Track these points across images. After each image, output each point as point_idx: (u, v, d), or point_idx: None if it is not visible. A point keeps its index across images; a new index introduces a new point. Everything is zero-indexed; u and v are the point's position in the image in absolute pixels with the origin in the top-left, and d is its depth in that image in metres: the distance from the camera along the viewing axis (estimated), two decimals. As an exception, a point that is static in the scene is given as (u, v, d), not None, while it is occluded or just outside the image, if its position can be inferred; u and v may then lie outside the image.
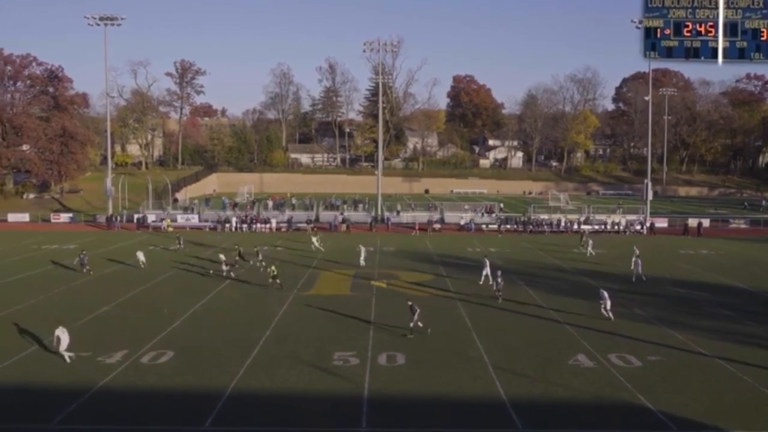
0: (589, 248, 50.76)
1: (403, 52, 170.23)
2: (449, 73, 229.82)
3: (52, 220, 73.48)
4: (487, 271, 37.49)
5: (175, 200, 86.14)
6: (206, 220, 69.51)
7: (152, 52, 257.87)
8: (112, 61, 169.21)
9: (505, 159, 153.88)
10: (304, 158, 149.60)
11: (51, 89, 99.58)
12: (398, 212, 74.92)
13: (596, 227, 67.75)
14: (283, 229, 66.43)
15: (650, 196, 73.36)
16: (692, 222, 68.42)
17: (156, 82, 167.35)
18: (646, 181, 75.37)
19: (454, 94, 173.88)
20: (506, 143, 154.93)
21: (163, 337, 25.97)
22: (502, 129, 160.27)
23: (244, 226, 66.38)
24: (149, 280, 38.46)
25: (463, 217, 70.76)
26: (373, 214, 73.72)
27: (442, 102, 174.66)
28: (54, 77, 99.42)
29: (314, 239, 53.06)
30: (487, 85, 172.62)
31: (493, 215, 73.47)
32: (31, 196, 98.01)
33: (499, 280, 33.43)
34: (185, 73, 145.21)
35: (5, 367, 22.29)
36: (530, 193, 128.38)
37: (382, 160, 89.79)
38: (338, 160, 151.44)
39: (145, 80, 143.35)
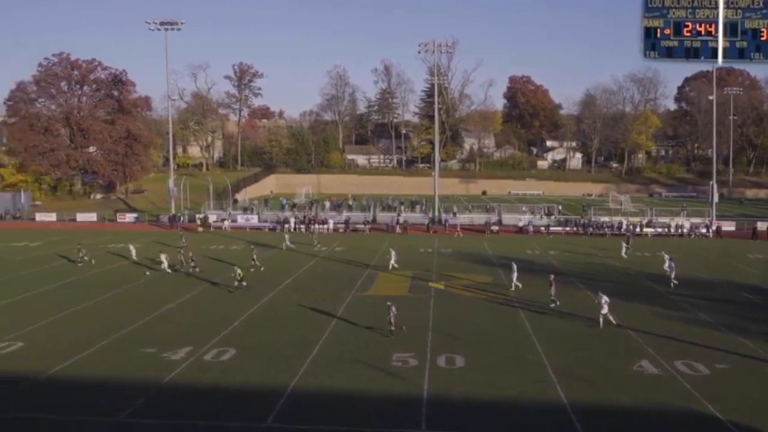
0: (623, 251, 49.65)
1: (459, 52, 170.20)
2: (505, 73, 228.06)
3: (118, 220, 75.69)
4: (515, 274, 36.57)
5: (235, 201, 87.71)
6: (265, 221, 70.53)
7: (211, 55, 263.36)
8: (172, 65, 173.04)
9: (563, 160, 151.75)
10: (361, 159, 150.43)
11: (115, 93, 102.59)
12: (455, 213, 74.60)
13: (659, 230, 66.13)
14: (341, 230, 66.91)
15: (716, 199, 71.18)
16: (761, 225, 66.07)
17: (215, 85, 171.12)
18: (711, 182, 73.17)
19: (511, 95, 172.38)
20: (564, 144, 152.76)
21: (225, 335, 26.46)
22: (560, 130, 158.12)
23: (302, 226, 67.08)
24: (210, 279, 39.19)
25: (521, 219, 69.97)
26: (430, 215, 73.55)
27: (499, 103, 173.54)
28: (118, 81, 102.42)
29: (287, 237, 54.65)
30: (544, 85, 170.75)
31: (552, 217, 72.48)
32: (98, 196, 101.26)
33: (552, 284, 32.64)
34: (243, 76, 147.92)
35: (76, 361, 23.06)
36: (590, 194, 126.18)
37: (439, 162, 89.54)
38: (394, 161, 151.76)
39: (204, 83, 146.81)
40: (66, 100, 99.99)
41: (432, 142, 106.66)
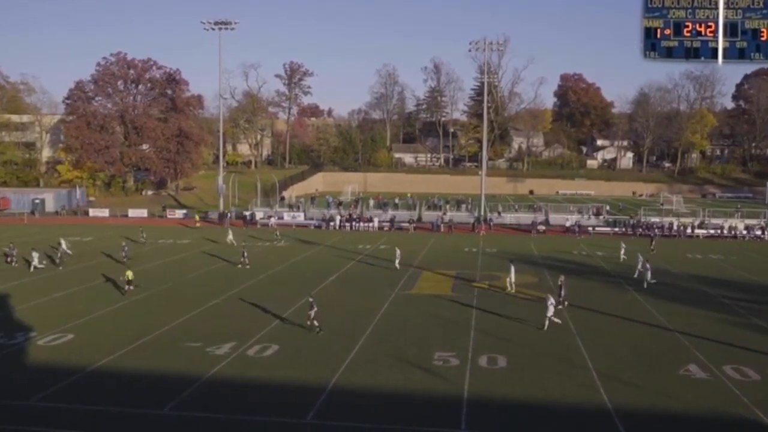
0: (622, 252, 47.14)
1: (509, 51, 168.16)
2: (556, 72, 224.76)
3: (168, 216, 77.27)
4: (512, 276, 35.70)
5: (282, 198, 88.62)
6: (311, 219, 71.10)
7: (263, 54, 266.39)
8: (225, 64, 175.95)
9: (614, 159, 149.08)
10: (408, 158, 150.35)
11: (169, 91, 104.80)
12: (500, 213, 73.99)
13: (711, 232, 64.43)
14: (386, 228, 67.02)
15: (773, 200, 69.01)
16: (821, 228, 63.79)
17: (266, 84, 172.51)
18: (768, 183, 70.95)
19: (562, 93, 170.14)
20: (616, 143, 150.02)
21: (268, 331, 26.76)
22: (612, 129, 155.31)
23: (348, 224, 67.44)
24: (257, 275, 39.75)
25: (569, 219, 68.97)
26: (476, 214, 73.08)
27: (549, 101, 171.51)
28: (172, 80, 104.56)
29: (230, 232, 55.05)
30: (596, 83, 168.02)
31: (600, 217, 71.28)
32: (150, 192, 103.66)
33: (562, 286, 31.88)
34: (294, 75, 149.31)
35: (124, 353, 23.63)
36: (640, 195, 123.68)
37: (486, 160, 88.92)
38: (442, 160, 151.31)
39: (255, 82, 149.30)
40: (122, 98, 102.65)
41: (480, 141, 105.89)
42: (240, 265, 42.24)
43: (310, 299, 27.26)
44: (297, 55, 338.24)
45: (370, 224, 67.84)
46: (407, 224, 67.13)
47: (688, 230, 64.23)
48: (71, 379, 21.01)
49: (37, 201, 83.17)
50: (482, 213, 72.71)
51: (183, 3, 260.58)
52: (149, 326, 27.22)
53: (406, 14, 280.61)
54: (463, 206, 78.77)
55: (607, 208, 77.44)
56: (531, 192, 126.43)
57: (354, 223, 67.78)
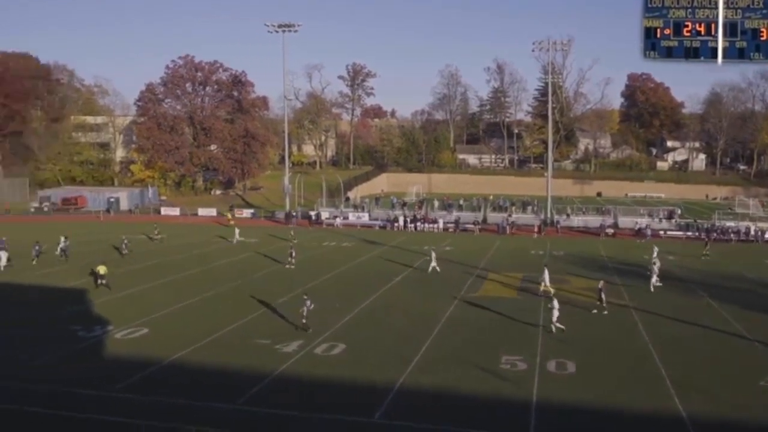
0: (654, 254, 43.40)
1: (574, 50, 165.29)
2: (623, 71, 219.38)
3: (235, 215, 78.78)
4: (546, 280, 35.10)
5: (347, 199, 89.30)
6: (376, 219, 71.42)
7: (326, 56, 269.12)
8: (289, 66, 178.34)
9: (685, 161, 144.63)
10: (472, 159, 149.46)
11: (235, 93, 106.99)
12: (568, 215, 72.75)
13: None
14: (450, 230, 66.76)
15: None
16: None
17: (329, 85, 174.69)
18: None
19: (629, 93, 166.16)
20: (687, 145, 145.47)
21: (335, 330, 27.01)
22: (683, 129, 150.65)
23: (412, 225, 67.42)
24: (322, 275, 40.16)
25: (638, 222, 67.25)
26: (542, 216, 72.07)
27: (616, 101, 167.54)
28: (238, 82, 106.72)
29: (237, 231, 56.14)
30: (665, 83, 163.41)
31: (673, 221, 69.27)
32: (218, 192, 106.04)
33: (601, 290, 31.01)
34: (357, 76, 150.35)
35: (197, 348, 24.28)
36: (714, 198, 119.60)
37: (552, 162, 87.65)
38: (506, 161, 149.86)
39: (319, 83, 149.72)
40: (190, 100, 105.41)
41: (545, 142, 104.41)
42: (288, 265, 42.65)
43: (305, 296, 27.43)
44: (359, 56, 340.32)
45: (435, 225, 67.68)
46: (472, 225, 66.71)
47: (766, 235, 61.81)
48: (147, 371, 21.70)
49: (112, 200, 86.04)
50: (549, 215, 71.67)
51: (248, 6, 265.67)
52: (220, 323, 27.85)
53: (468, 14, 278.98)
54: (529, 208, 77.77)
55: (679, 211, 75.09)
56: (599, 194, 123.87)
57: (418, 224, 67.72)
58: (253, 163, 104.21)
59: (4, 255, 41.31)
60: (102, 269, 35.20)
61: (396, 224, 67.93)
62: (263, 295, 33.48)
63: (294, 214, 73.80)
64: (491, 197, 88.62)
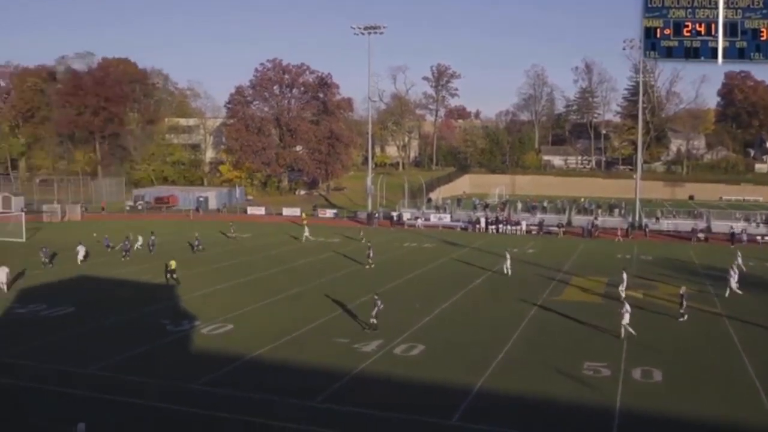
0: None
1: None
2: (720, 69, 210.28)
3: (319, 215, 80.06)
4: (624, 285, 34.06)
5: (429, 200, 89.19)
6: (458, 220, 71.02)
7: (410, 57, 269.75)
8: (373, 67, 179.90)
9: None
10: (557, 160, 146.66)
11: (321, 95, 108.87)
12: (657, 219, 70.24)
13: None
14: (534, 232, 65.61)
15: None
16: None
17: (413, 86, 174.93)
18: None
19: (726, 92, 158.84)
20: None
21: (414, 331, 27.00)
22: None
23: (494, 227, 66.61)
24: (402, 275, 40.26)
25: (733, 227, 64.16)
26: (629, 219, 69.83)
27: (712, 101, 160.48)
28: (324, 84, 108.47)
29: (306, 230, 56.75)
30: (765, 81, 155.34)
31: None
32: (302, 192, 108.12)
33: (683, 296, 29.78)
34: (441, 77, 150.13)
35: (280, 345, 24.80)
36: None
37: (641, 163, 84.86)
38: (593, 162, 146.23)
39: (403, 84, 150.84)
40: (277, 102, 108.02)
41: (634, 143, 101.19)
42: (368, 266, 42.89)
43: (375, 296, 27.45)
44: (444, 57, 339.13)
45: (518, 227, 66.67)
46: (556, 228, 65.36)
47: None
48: (231, 366, 22.32)
49: (201, 199, 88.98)
50: (637, 218, 69.39)
51: (334, 9, 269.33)
52: (301, 321, 28.33)
53: (554, 13, 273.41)
54: (616, 211, 75.46)
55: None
56: (691, 197, 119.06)
57: (501, 226, 66.87)
58: (336, 163, 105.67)
59: (82, 249, 43.82)
60: (173, 264, 36.80)
61: (478, 226, 67.31)
62: (342, 294, 33.82)
63: (376, 214, 74.30)
64: (583, 199, 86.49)
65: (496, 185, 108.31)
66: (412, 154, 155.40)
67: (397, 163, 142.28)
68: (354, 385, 20.83)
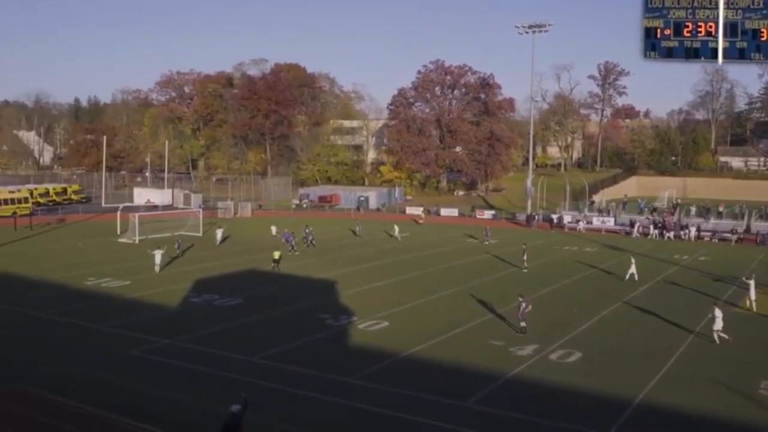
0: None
1: None
2: None
3: (477, 216, 79.79)
4: (752, 293, 31.75)
5: (592, 202, 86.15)
6: (622, 224, 67.98)
7: (576, 55, 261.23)
8: (537, 67, 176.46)
9: None
10: (736, 162, 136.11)
11: (482, 96, 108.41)
12: None
13: None
14: (706, 238, 61.22)
15: None
16: None
17: (578, 86, 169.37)
18: None
19: None
20: None
21: (572, 337, 26.21)
22: None
23: (662, 232, 62.74)
24: (561, 279, 39.24)
25: None
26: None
27: None
28: (485, 84, 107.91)
29: (396, 228, 57.75)
30: None
31: None
32: (461, 193, 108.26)
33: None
34: (608, 75, 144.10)
35: (435, 344, 25.02)
36: None
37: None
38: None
39: (567, 83, 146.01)
40: (438, 103, 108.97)
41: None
42: (525, 270, 42.11)
43: (520, 298, 26.76)
44: (612, 54, 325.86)
45: (685, 232, 62.46)
46: (729, 234, 60.58)
47: None
48: (384, 362, 22.81)
49: (362, 198, 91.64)
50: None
51: (498, 9, 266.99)
52: (456, 321, 28.41)
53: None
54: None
55: None
56: None
57: (669, 231, 62.99)
58: (496, 164, 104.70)
59: (219, 232, 52.96)
60: (276, 254, 40.54)
61: (643, 230, 63.88)
62: (498, 296, 33.43)
63: (535, 216, 72.83)
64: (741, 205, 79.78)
65: (666, 188, 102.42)
66: (575, 155, 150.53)
67: (559, 164, 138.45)
68: (507, 388, 20.57)
